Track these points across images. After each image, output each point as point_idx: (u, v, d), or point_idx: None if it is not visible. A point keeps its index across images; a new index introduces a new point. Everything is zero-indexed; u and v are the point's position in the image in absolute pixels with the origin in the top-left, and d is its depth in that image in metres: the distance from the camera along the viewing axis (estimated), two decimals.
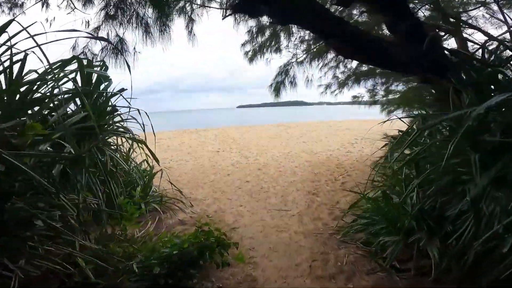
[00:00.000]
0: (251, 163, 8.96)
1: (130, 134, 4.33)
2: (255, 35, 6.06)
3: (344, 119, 32.08)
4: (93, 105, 3.63)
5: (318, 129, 19.09)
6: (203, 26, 4.88)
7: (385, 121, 4.26)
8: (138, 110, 3.93)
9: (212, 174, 7.41)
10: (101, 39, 4.74)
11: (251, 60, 6.31)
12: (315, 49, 6.06)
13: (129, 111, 3.99)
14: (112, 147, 4.15)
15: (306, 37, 6.11)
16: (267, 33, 6.05)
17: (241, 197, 5.52)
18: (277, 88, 6.35)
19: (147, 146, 4.12)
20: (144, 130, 4.11)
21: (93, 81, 3.65)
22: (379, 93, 7.39)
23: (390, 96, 8.01)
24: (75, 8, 4.57)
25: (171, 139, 16.85)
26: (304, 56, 6.21)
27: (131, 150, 4.82)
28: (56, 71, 3.03)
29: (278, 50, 6.17)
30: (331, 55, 6.27)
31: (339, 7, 4.62)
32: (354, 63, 6.70)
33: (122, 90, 3.84)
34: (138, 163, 5.37)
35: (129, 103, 3.85)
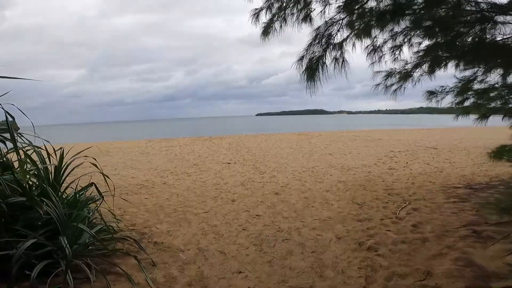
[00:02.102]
0: (266, 182, 6.61)
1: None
2: None
3: (368, 128, 29.13)
4: None
5: (344, 139, 16.46)
6: None
7: None
8: None
9: (211, 199, 5.15)
10: None
11: (265, 33, 4.02)
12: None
13: None
14: None
15: None
16: None
17: (243, 251, 3.18)
18: (311, 68, 3.83)
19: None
20: None
21: None
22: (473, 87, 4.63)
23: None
24: None
25: (181, 147, 14.87)
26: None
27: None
28: None
29: (307, 18, 3.87)
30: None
31: None
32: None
33: None
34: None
35: None
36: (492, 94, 4.52)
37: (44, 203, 2.65)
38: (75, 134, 44.35)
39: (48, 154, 3.25)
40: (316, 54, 3.85)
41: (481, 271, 2.50)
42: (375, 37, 4.08)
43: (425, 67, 4.24)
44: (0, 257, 2.36)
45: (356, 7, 3.60)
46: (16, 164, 2.71)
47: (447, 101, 4.79)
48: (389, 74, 4.58)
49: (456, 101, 4.79)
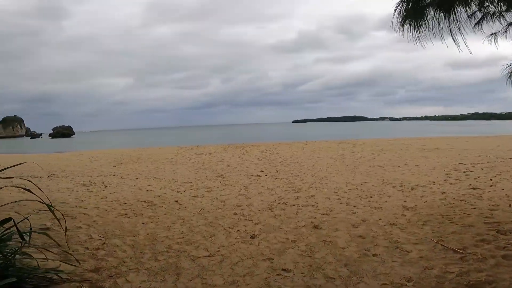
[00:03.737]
0: (302, 205, 4.97)
1: None
2: None
3: (420, 135, 25.81)
4: None
5: (394, 147, 14.11)
6: None
7: None
8: None
9: (224, 232, 3.60)
10: None
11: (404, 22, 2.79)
12: None
13: None
14: None
15: None
16: None
17: None
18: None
19: None
20: None
21: None
22: None
23: None
24: None
25: (211, 154, 13.75)
26: None
27: None
28: None
29: None
30: None
31: None
32: None
33: None
34: None
35: None
36: None
37: None
38: (119, 140, 46.40)
39: None
40: None
41: None
42: None
43: None
44: None
45: None
46: None
47: None
48: None
49: None
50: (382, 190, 5.88)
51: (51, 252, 2.75)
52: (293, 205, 5.01)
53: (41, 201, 2.35)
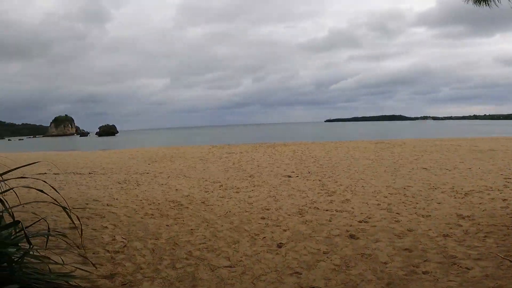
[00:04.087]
0: (336, 210, 4.51)
1: None
2: None
3: (470, 136, 23.46)
4: None
5: (440, 148, 12.87)
6: None
7: None
8: None
9: (249, 239, 3.27)
10: None
11: None
12: None
13: None
14: None
15: None
16: None
17: None
18: None
19: None
20: None
21: None
22: None
23: None
24: None
25: (242, 154, 13.61)
26: None
27: None
28: None
29: None
30: None
31: None
32: None
33: None
34: None
35: None
36: None
37: None
38: (157, 139, 48.50)
39: None
40: None
41: None
42: None
43: None
44: None
45: None
46: None
47: None
48: None
49: None
50: (430, 196, 5.21)
51: (70, 254, 2.68)
52: (326, 210, 4.59)
53: (55, 203, 2.24)
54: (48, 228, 2.39)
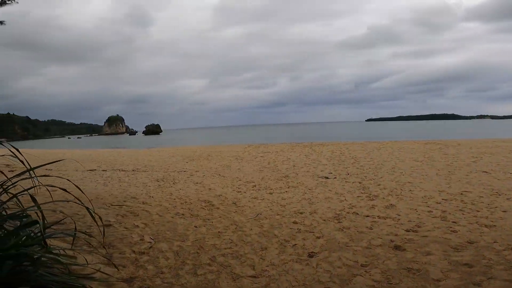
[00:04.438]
0: (379, 217, 4.01)
1: None
2: None
3: None
4: None
5: (503, 150, 11.32)
6: None
7: None
8: None
9: (278, 246, 2.99)
10: None
11: None
12: None
13: None
14: None
15: None
16: None
17: None
18: None
19: None
20: None
21: None
22: None
23: None
24: None
25: (277, 153, 13.34)
26: None
27: None
28: None
29: None
30: None
31: None
32: None
33: None
34: None
35: None
36: None
37: None
38: (196, 138, 50.21)
39: None
40: None
41: None
42: None
43: None
44: None
45: None
46: None
47: None
48: None
49: None
50: (493, 203, 4.47)
51: (98, 254, 2.66)
52: (367, 216, 4.14)
53: (78, 202, 2.21)
54: (75, 228, 2.38)
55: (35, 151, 25.26)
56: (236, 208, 4.75)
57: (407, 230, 3.50)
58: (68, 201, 2.57)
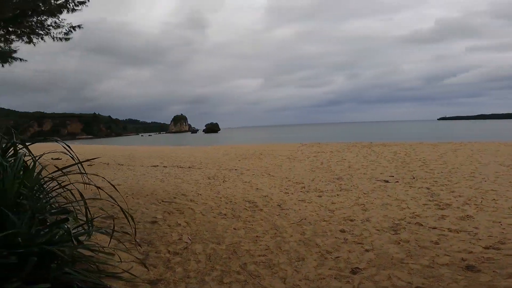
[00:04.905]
0: (449, 229, 3.29)
1: None
2: None
3: None
4: None
5: None
6: None
7: None
8: None
9: (317, 257, 2.57)
10: None
11: None
12: None
13: None
14: None
15: None
16: None
17: None
18: None
19: None
20: None
21: None
22: None
23: None
24: None
25: (332, 153, 12.66)
26: None
27: None
28: None
29: None
30: None
31: None
32: None
33: None
34: None
35: None
36: None
37: None
38: (251, 136, 51.15)
39: None
40: None
41: None
42: None
43: None
44: None
45: None
46: None
47: None
48: None
49: None
50: None
51: (135, 252, 2.72)
52: (433, 228, 3.52)
53: (111, 201, 2.26)
54: (113, 225, 2.46)
55: (112, 147, 28.68)
56: (280, 211, 4.52)
57: (486, 247, 2.84)
58: (98, 199, 2.70)
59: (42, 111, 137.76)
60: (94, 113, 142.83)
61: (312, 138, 28.24)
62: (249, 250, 2.88)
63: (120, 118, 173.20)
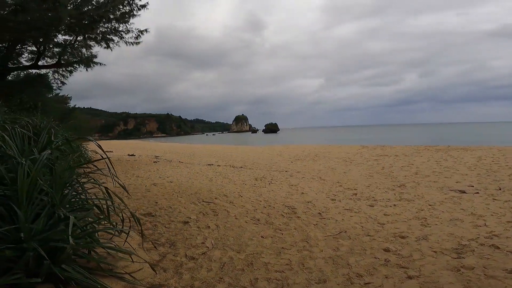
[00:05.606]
0: None
1: None
2: None
3: None
4: None
5: None
6: None
7: None
8: None
9: (341, 281, 2.19)
10: None
11: None
12: None
13: None
14: None
15: None
16: None
17: None
18: None
19: None
20: None
21: None
22: None
23: None
24: None
25: (397, 157, 11.45)
26: None
27: None
28: None
29: None
30: None
31: None
32: None
33: None
34: None
35: None
36: None
37: None
38: (311, 137, 49.86)
39: None
40: None
41: None
42: None
43: None
44: None
45: None
46: None
47: None
48: None
49: None
50: None
51: (152, 252, 2.74)
52: None
53: (121, 203, 2.29)
54: (130, 226, 2.49)
55: (179, 145, 31.03)
56: (318, 220, 4.14)
57: None
58: (104, 198, 2.76)
59: (127, 111, 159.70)
60: (167, 113, 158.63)
61: (377, 140, 26.11)
62: (267, 264, 2.64)
63: (189, 118, 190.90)
